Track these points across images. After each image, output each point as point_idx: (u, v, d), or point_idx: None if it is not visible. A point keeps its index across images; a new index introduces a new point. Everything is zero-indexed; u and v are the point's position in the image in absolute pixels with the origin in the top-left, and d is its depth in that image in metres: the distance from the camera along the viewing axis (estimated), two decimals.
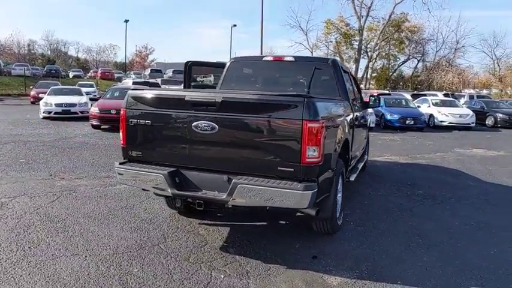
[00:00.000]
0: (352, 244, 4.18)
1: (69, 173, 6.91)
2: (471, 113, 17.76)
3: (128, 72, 52.40)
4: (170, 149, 3.80)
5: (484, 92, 38.39)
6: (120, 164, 3.88)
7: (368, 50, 42.44)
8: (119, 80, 41.71)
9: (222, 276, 3.39)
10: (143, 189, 4.16)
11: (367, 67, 44.19)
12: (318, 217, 3.86)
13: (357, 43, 40.76)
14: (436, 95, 23.31)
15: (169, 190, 3.61)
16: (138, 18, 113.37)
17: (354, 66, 40.67)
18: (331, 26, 43.59)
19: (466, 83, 42.31)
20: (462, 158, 10.18)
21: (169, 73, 47.09)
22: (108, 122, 13.08)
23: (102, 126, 13.16)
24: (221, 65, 7.23)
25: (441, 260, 3.84)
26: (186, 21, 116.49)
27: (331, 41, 45.26)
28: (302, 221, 4.73)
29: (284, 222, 4.82)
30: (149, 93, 3.79)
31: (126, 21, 52.18)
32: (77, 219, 4.67)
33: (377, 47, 42.45)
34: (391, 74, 47.60)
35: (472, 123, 17.45)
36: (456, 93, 28.95)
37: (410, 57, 46.70)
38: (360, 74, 41.29)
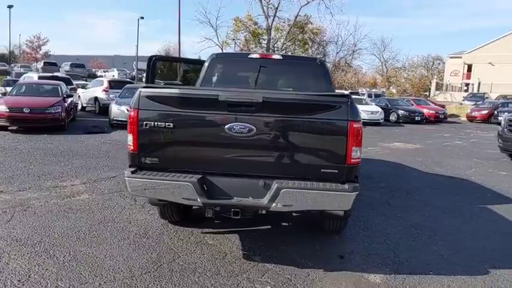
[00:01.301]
0: (365, 240, 4.28)
1: (6, 185, 5.79)
2: (380, 110, 19.66)
3: (12, 65, 46.02)
4: (195, 154, 3.41)
5: (373, 90, 42.91)
6: (132, 173, 3.35)
7: (276, 49, 43.88)
8: (6, 73, 36.31)
9: None
10: (160, 201, 3.66)
11: None
12: (344, 216, 3.85)
13: (265, 42, 41.96)
14: None
15: (199, 199, 3.24)
16: (21, 5, 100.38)
17: None
18: (240, 24, 44.03)
19: (362, 83, 46.73)
20: (390, 152, 11.19)
21: (65, 67, 42.89)
22: (20, 122, 11.38)
23: (10, 128, 11.34)
24: (191, 61, 6.79)
25: (449, 248, 4.16)
26: (75, 11, 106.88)
27: (239, 39, 45.83)
28: (301, 221, 4.74)
29: (286, 224, 4.73)
30: (171, 92, 3.33)
31: (10, 6, 45.78)
32: (56, 240, 3.94)
33: (284, 47, 44.17)
34: None
35: (382, 119, 19.32)
36: (360, 92, 31.73)
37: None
38: None
